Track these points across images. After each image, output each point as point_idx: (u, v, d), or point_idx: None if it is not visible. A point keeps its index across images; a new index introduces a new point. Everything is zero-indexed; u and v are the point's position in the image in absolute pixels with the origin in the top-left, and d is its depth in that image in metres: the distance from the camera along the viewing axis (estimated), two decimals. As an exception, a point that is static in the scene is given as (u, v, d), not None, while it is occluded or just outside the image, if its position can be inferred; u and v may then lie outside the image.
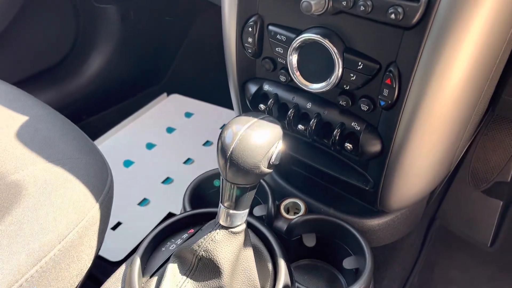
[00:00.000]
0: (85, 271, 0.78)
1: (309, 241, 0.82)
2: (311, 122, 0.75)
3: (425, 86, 0.62)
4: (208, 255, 0.58)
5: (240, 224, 0.58)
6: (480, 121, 0.92)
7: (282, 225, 0.80)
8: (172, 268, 0.60)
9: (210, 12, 1.89)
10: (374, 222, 0.88)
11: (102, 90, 1.82)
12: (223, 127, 0.55)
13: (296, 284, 0.69)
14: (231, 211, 0.56)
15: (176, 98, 2.02)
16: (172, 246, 0.68)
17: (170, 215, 1.46)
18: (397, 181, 0.74)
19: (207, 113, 1.92)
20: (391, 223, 0.89)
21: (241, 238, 0.59)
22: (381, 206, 0.81)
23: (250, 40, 0.77)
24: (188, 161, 1.69)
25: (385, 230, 0.89)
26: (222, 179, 0.55)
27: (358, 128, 0.72)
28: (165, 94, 2.01)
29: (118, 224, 1.44)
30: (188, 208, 0.82)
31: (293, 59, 0.72)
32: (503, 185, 1.24)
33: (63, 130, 0.90)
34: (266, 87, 0.81)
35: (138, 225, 1.43)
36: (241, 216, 0.57)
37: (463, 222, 1.28)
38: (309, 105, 0.76)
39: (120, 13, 1.72)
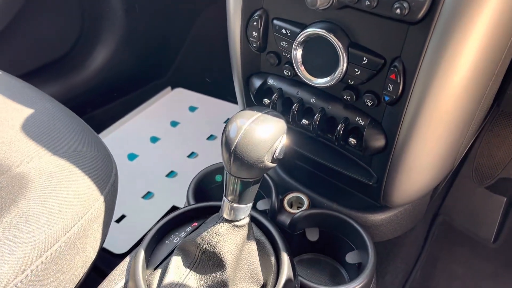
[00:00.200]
0: (90, 263, 0.79)
1: (312, 235, 0.82)
2: (315, 117, 0.75)
3: (430, 82, 0.61)
4: (212, 248, 0.58)
5: (243, 218, 0.58)
6: (485, 117, 0.91)
7: (285, 219, 0.81)
8: (176, 261, 0.61)
9: (215, 6, 1.89)
10: (377, 217, 0.88)
11: (107, 84, 1.82)
12: (227, 121, 0.55)
13: (299, 278, 0.69)
14: (234, 205, 0.57)
15: (180, 92, 2.02)
16: (176, 239, 0.68)
17: (174, 208, 1.47)
18: (401, 177, 0.74)
19: (211, 107, 1.92)
20: (394, 218, 0.89)
21: (244, 231, 0.59)
22: (385, 201, 0.81)
23: (254, 34, 0.77)
24: (192, 155, 1.69)
25: (388, 225, 0.90)
26: (226, 173, 0.55)
27: (362, 123, 0.72)
28: (169, 88, 2.01)
29: (123, 216, 1.45)
30: (192, 202, 0.82)
31: (298, 53, 0.72)
32: (507, 181, 1.23)
33: (68, 123, 0.90)
34: (271, 81, 0.81)
35: (142, 218, 1.44)
36: (245, 210, 0.58)
37: (467, 218, 1.27)
38: (313, 100, 0.76)
39: (125, 6, 1.71)
